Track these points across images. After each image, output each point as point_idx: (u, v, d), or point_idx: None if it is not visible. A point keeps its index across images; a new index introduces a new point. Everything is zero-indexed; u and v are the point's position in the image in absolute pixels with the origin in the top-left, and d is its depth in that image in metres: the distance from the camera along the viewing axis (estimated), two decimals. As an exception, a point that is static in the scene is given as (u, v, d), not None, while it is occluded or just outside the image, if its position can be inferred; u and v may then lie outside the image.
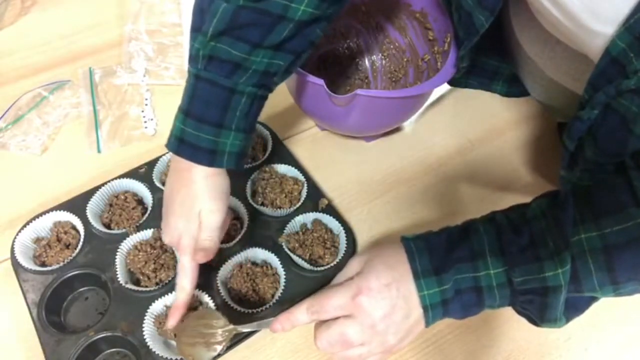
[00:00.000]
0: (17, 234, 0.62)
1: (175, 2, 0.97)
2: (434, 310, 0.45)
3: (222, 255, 0.61)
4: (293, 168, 0.70)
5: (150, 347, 0.54)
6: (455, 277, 0.44)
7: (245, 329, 0.52)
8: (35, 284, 0.59)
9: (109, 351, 0.57)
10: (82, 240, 0.63)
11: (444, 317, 0.46)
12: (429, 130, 0.80)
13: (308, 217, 0.66)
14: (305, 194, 0.68)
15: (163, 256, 0.61)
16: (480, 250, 0.44)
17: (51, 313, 0.58)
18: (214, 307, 0.57)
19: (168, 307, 0.57)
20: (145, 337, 0.55)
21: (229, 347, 0.55)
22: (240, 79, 0.51)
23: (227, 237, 0.63)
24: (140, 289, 0.58)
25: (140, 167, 0.70)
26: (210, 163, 0.51)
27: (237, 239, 0.63)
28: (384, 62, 0.85)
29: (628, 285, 0.42)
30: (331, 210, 0.67)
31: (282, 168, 0.70)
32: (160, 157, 0.70)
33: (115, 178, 0.68)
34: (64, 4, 0.98)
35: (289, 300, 0.59)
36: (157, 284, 0.59)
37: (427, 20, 0.74)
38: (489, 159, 0.76)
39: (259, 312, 0.57)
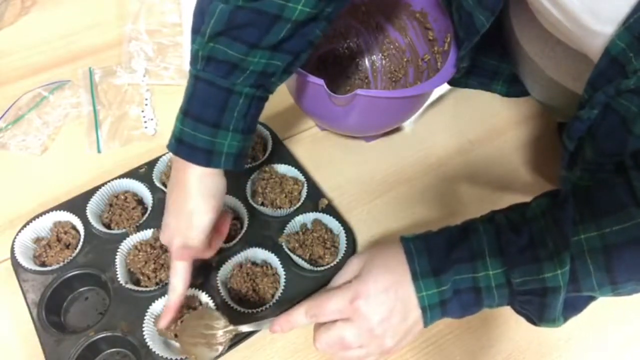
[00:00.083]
0: (17, 234, 0.62)
1: (175, 2, 0.97)
2: (432, 310, 0.45)
3: (222, 255, 0.61)
4: (293, 168, 0.70)
5: (150, 347, 0.54)
6: (454, 278, 0.44)
7: (245, 329, 0.52)
8: (35, 284, 0.59)
9: (109, 351, 0.57)
10: (82, 240, 0.63)
11: (443, 317, 0.46)
12: (429, 130, 0.80)
13: (308, 217, 0.66)
14: (305, 194, 0.68)
15: (163, 256, 0.61)
16: (479, 250, 0.44)
17: (51, 313, 0.58)
18: (214, 307, 0.57)
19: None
20: (145, 337, 0.55)
21: (230, 347, 0.56)
22: (238, 80, 0.51)
23: (227, 237, 0.63)
24: (140, 289, 0.58)
25: (140, 167, 0.70)
26: (207, 163, 0.51)
27: (237, 239, 0.63)
28: (384, 62, 0.85)
29: (627, 285, 0.42)
30: (331, 210, 0.67)
31: (282, 168, 0.70)
32: (160, 157, 0.70)
33: (115, 178, 0.68)
34: (64, 4, 0.98)
35: (289, 300, 0.59)
36: (157, 284, 0.59)
37: (427, 20, 0.74)
38: (489, 159, 0.76)
39: (259, 312, 0.57)
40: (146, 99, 0.82)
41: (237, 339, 0.56)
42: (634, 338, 0.60)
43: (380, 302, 0.44)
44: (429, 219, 0.69)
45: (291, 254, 0.62)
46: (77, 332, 0.56)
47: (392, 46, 0.83)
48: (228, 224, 0.59)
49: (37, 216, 0.64)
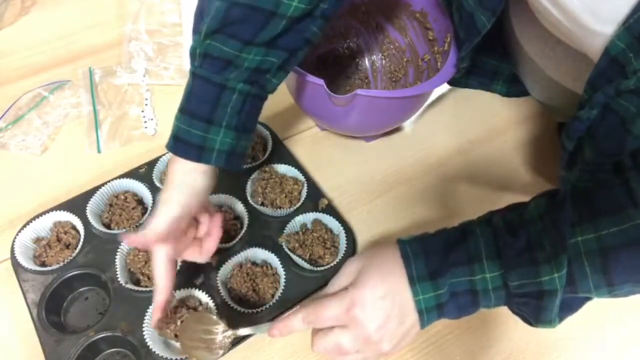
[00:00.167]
0: (17, 234, 0.62)
1: (175, 2, 0.97)
2: (429, 313, 0.45)
3: (222, 255, 0.61)
4: (293, 168, 0.70)
5: (150, 347, 0.54)
6: (450, 281, 0.44)
7: (244, 332, 0.52)
8: (35, 284, 0.59)
9: (109, 351, 0.57)
10: (82, 240, 0.63)
11: (439, 318, 0.46)
12: (429, 130, 0.80)
13: (308, 217, 0.66)
14: (305, 194, 0.68)
15: (163, 256, 0.61)
16: (476, 253, 0.44)
17: (51, 313, 0.58)
18: (214, 307, 0.57)
19: (169, 307, 0.57)
20: (145, 337, 0.55)
21: (231, 347, 0.56)
22: (231, 75, 0.51)
23: (227, 237, 0.63)
24: (140, 289, 0.58)
25: (140, 167, 0.70)
26: (198, 158, 0.51)
27: (237, 239, 0.63)
28: (384, 62, 0.85)
29: (624, 287, 0.41)
30: (331, 210, 0.67)
31: (282, 168, 0.70)
32: (160, 157, 0.70)
33: (115, 178, 0.68)
34: (64, 4, 0.98)
35: (289, 300, 0.59)
36: (157, 284, 0.59)
37: (427, 20, 0.74)
38: (489, 159, 0.76)
39: (259, 312, 0.57)
40: (146, 99, 0.82)
41: (238, 340, 0.56)
42: (632, 338, 0.60)
43: (377, 309, 0.44)
44: (429, 219, 0.69)
45: (291, 254, 0.62)
46: (77, 332, 0.56)
47: (392, 46, 0.83)
48: (218, 226, 0.57)
49: (37, 216, 0.64)
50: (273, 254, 0.61)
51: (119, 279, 0.58)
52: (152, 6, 0.96)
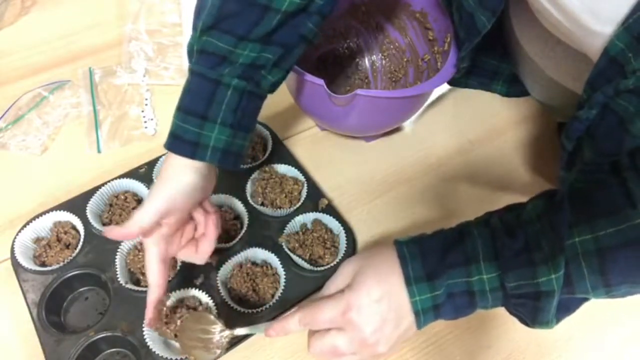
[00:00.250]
0: (17, 234, 0.62)
1: (175, 2, 0.97)
2: (425, 315, 0.45)
3: (222, 255, 0.61)
4: (293, 168, 0.70)
5: (150, 347, 0.54)
6: (447, 282, 0.44)
7: (241, 332, 0.52)
8: (35, 284, 0.59)
9: (109, 351, 0.57)
10: (82, 240, 0.63)
11: (436, 319, 0.46)
12: (429, 130, 0.80)
13: (308, 217, 0.66)
14: (305, 194, 0.68)
15: (163, 256, 0.61)
16: (473, 255, 0.44)
17: (51, 313, 0.58)
18: (214, 307, 0.57)
19: (168, 307, 0.57)
20: (145, 337, 0.55)
21: (230, 347, 0.56)
22: (225, 70, 0.50)
23: (227, 237, 0.63)
24: (140, 289, 0.58)
25: (140, 167, 0.70)
26: (192, 155, 0.50)
27: (237, 239, 0.63)
28: (384, 62, 0.85)
29: (621, 288, 0.41)
30: (331, 210, 0.67)
31: (282, 168, 0.70)
32: (160, 157, 0.70)
33: (115, 178, 0.68)
34: (64, 4, 0.98)
35: (289, 301, 0.59)
36: (157, 284, 0.59)
37: (427, 20, 0.74)
38: (489, 159, 0.76)
39: (259, 312, 0.57)
40: (146, 99, 0.82)
41: (237, 340, 0.56)
42: (631, 338, 0.60)
43: (373, 313, 0.44)
44: (429, 219, 0.69)
45: (291, 254, 0.62)
46: (77, 332, 0.56)
47: (392, 46, 0.83)
48: (213, 226, 0.55)
49: (37, 216, 0.64)
50: (273, 254, 0.61)
51: (119, 279, 0.58)
52: (152, 6, 0.96)
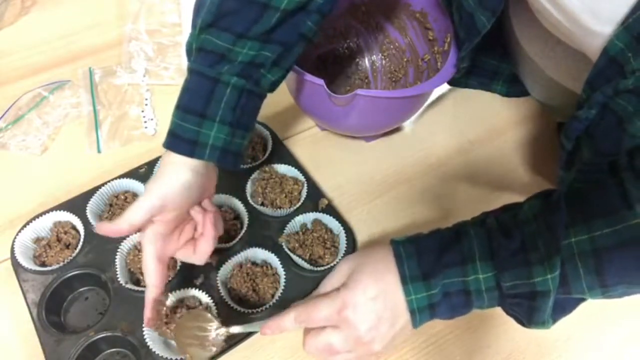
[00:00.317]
0: (17, 234, 0.62)
1: (175, 2, 0.97)
2: (421, 313, 0.45)
3: (222, 255, 0.61)
4: (293, 168, 0.70)
5: (150, 347, 0.54)
6: (443, 282, 0.44)
7: (236, 330, 0.52)
8: (35, 284, 0.59)
9: (109, 351, 0.57)
10: (82, 240, 0.63)
11: (432, 319, 0.46)
12: (429, 130, 0.80)
13: (308, 217, 0.66)
14: (305, 194, 0.68)
15: (163, 256, 0.61)
16: (470, 254, 0.44)
17: (51, 313, 0.58)
18: (214, 307, 0.57)
19: (168, 307, 0.57)
20: (145, 337, 0.55)
21: (230, 347, 0.56)
22: (224, 68, 0.50)
23: (227, 237, 0.63)
24: (140, 289, 0.58)
25: (140, 167, 0.70)
26: (191, 153, 0.50)
27: (237, 239, 0.63)
28: (384, 62, 0.85)
29: (617, 289, 0.41)
30: (331, 210, 0.67)
31: (282, 168, 0.70)
32: (160, 157, 0.70)
33: (115, 178, 0.68)
34: (64, 4, 0.98)
35: (289, 300, 0.59)
36: (157, 284, 0.59)
37: (427, 20, 0.74)
38: (489, 159, 0.76)
39: (258, 312, 0.57)
40: (146, 99, 0.82)
41: (236, 340, 0.56)
42: (630, 338, 0.60)
43: (369, 311, 0.44)
44: (428, 219, 0.69)
45: (291, 254, 0.62)
46: (77, 332, 0.56)
47: (392, 46, 0.83)
48: (211, 224, 0.53)
49: (37, 216, 0.64)
50: (273, 254, 0.61)
51: (119, 279, 0.58)
52: (152, 6, 0.96)
